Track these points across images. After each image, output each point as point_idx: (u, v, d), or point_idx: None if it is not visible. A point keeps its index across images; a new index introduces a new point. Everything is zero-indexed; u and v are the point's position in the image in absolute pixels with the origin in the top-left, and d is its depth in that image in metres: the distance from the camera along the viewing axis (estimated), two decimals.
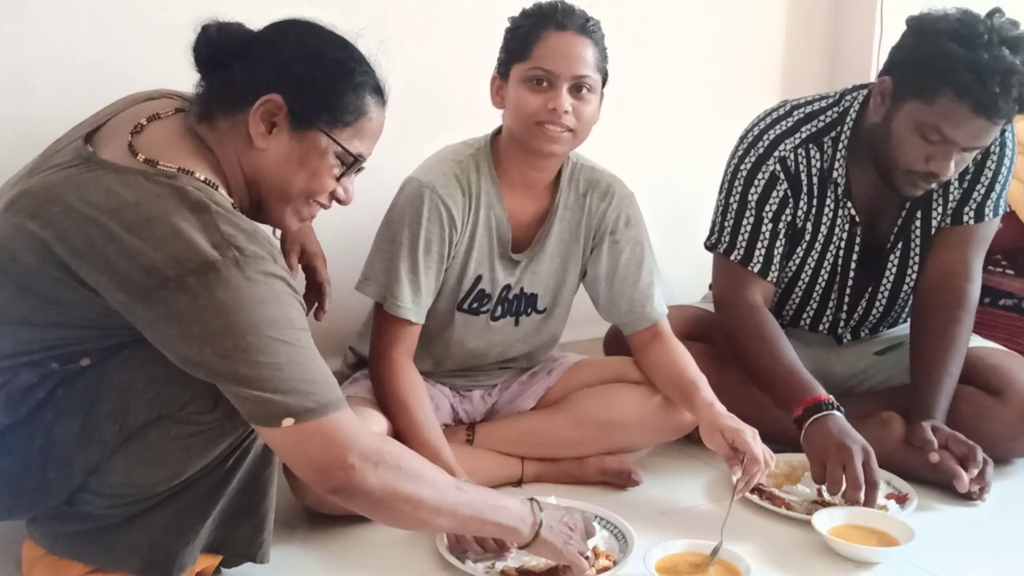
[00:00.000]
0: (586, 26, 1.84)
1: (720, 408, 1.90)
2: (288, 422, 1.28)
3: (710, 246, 2.26)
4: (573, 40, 1.82)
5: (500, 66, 1.90)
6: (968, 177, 2.16)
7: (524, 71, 1.83)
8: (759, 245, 2.17)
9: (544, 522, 1.55)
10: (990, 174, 2.16)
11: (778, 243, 2.18)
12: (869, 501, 1.87)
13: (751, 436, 1.82)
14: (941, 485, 2.02)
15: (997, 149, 2.15)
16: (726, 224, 2.21)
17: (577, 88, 1.83)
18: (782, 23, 3.02)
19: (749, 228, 2.18)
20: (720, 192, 2.25)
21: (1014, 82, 1.88)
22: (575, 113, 1.83)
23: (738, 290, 2.18)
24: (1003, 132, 2.14)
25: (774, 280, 2.20)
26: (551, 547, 1.56)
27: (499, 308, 2.02)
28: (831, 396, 2.01)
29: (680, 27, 2.82)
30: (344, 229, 1.96)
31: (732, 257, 2.19)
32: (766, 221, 2.17)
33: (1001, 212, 2.21)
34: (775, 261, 2.18)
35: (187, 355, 1.27)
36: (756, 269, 2.18)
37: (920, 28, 1.99)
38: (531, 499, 1.59)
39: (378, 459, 1.34)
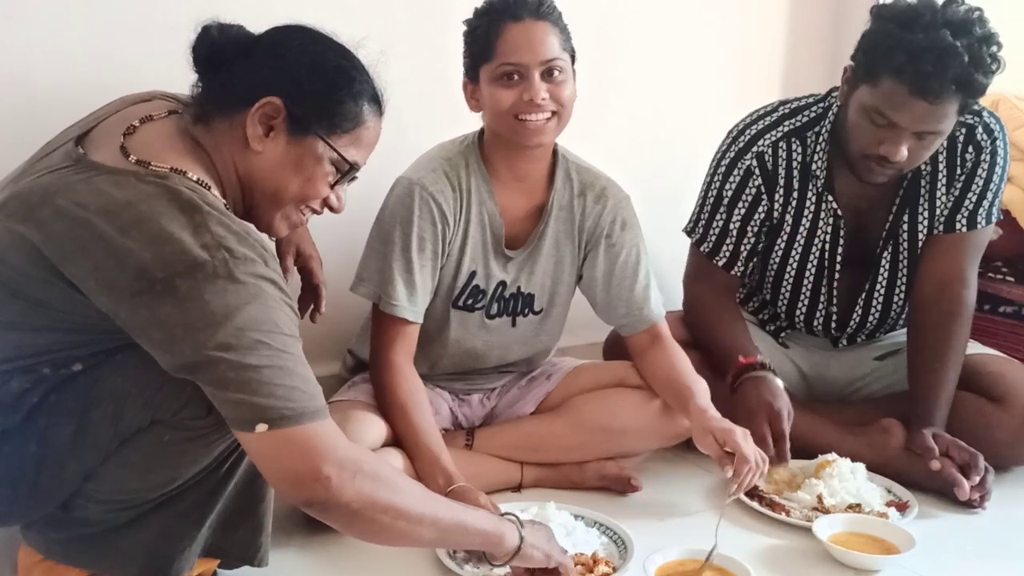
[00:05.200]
0: (540, 9, 1.83)
1: (713, 413, 1.90)
2: (262, 428, 1.25)
3: (687, 232, 2.33)
4: (532, 27, 1.82)
5: (468, 70, 1.89)
6: (959, 184, 2.17)
7: (492, 70, 1.83)
8: (727, 241, 2.25)
9: (526, 526, 1.55)
10: (981, 182, 2.16)
11: (745, 241, 2.24)
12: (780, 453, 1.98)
13: (742, 436, 1.82)
14: (942, 492, 2.02)
15: (988, 157, 2.15)
16: (702, 215, 2.28)
17: (549, 73, 1.82)
18: (784, 22, 3.02)
19: (720, 224, 2.25)
20: (703, 183, 2.31)
21: (950, 62, 1.88)
22: (553, 97, 1.82)
23: (703, 277, 2.30)
24: (994, 140, 2.14)
25: (739, 273, 2.27)
26: (542, 551, 1.54)
27: (495, 306, 2.01)
28: (763, 357, 2.10)
29: (680, 26, 2.81)
30: (341, 232, 1.95)
31: (702, 248, 2.28)
32: (735, 219, 2.23)
33: (994, 219, 2.21)
34: (741, 257, 2.25)
35: (171, 358, 1.26)
36: (721, 263, 2.26)
37: (875, 15, 2.02)
38: (504, 513, 1.57)
39: (356, 469, 1.30)
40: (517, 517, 1.57)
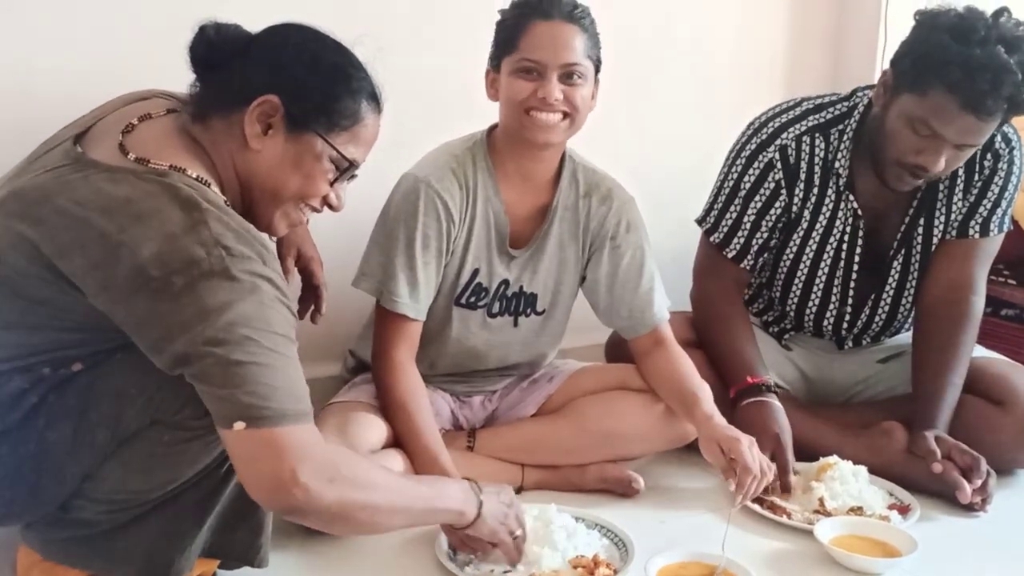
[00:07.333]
0: (573, 13, 1.83)
1: (719, 420, 1.90)
2: (239, 425, 1.23)
3: (698, 221, 2.31)
4: (560, 28, 1.82)
5: (492, 59, 1.90)
6: (975, 191, 2.17)
7: (513, 63, 1.83)
8: (740, 233, 2.22)
9: (485, 502, 1.57)
10: (997, 190, 2.16)
11: (758, 235, 2.22)
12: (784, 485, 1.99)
13: (747, 445, 1.82)
14: (943, 496, 2.01)
15: (1005, 166, 2.15)
16: (716, 206, 2.26)
17: (568, 76, 1.82)
18: (786, 24, 3.02)
19: (734, 216, 2.23)
20: (719, 173, 2.29)
21: (1005, 80, 1.88)
22: (567, 99, 1.82)
23: (712, 270, 2.27)
24: (1012, 149, 2.15)
25: (749, 267, 2.25)
26: (489, 528, 1.58)
27: (496, 304, 2.01)
28: (767, 379, 2.09)
29: (682, 27, 2.81)
30: (342, 232, 1.95)
31: (712, 239, 2.26)
32: (750, 212, 2.21)
33: (1006, 228, 2.21)
34: (752, 251, 2.23)
35: (166, 351, 1.25)
36: (731, 256, 2.23)
37: (922, 22, 2.00)
38: (471, 480, 1.60)
39: (332, 474, 1.29)
40: (478, 486, 1.59)
